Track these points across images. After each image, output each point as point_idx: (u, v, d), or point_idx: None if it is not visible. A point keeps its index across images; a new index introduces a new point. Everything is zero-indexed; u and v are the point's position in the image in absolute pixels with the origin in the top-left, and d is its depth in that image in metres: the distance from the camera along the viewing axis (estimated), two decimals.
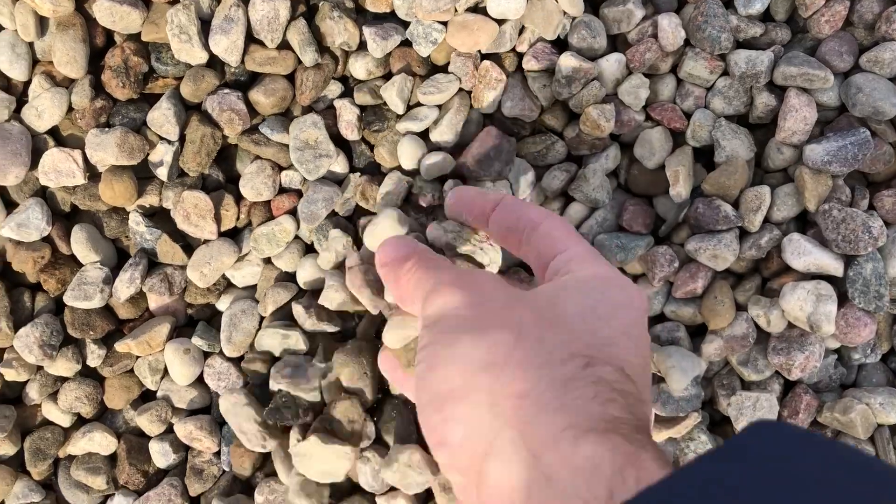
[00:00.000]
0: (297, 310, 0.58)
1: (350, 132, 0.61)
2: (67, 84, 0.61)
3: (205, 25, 0.60)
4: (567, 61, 0.59)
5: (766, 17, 0.62)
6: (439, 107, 0.62)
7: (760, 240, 0.58)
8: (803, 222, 0.60)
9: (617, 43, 0.63)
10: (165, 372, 0.61)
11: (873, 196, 0.59)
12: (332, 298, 0.55)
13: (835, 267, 0.57)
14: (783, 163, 0.60)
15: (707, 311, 0.59)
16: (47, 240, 0.60)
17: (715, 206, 0.58)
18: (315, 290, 0.60)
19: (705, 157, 0.62)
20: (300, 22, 0.60)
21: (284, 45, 0.61)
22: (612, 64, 0.60)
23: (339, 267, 0.59)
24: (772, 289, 0.59)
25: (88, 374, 0.61)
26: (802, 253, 0.57)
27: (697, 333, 0.61)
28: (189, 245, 0.62)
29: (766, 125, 0.61)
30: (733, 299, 0.59)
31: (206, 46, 0.60)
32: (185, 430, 0.60)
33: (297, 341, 0.58)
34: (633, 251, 0.60)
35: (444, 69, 0.63)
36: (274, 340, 0.59)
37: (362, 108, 0.62)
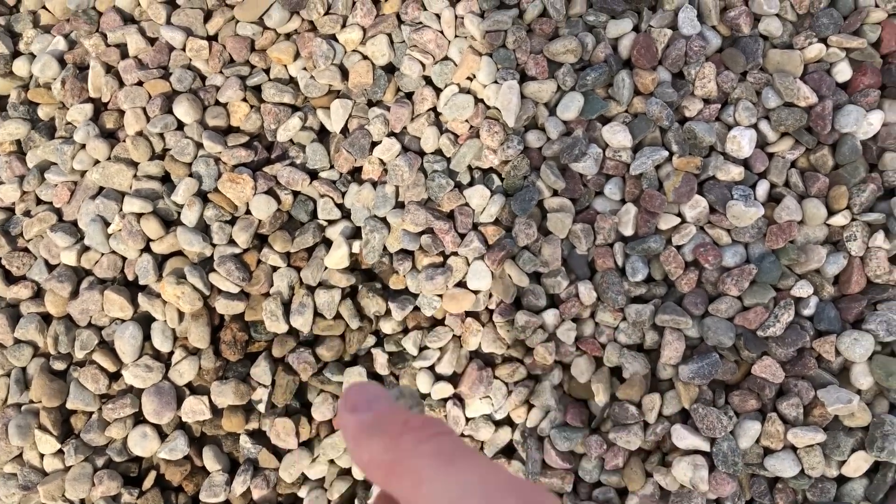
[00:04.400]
0: None
1: (382, 370, 0.93)
2: (196, 352, 0.93)
3: (286, 307, 0.93)
4: (521, 317, 0.92)
5: (649, 278, 0.94)
6: (440, 349, 0.94)
7: (656, 429, 0.89)
8: (686, 414, 0.91)
9: (555, 300, 0.96)
10: None
11: (728, 395, 0.90)
12: None
13: (704, 446, 0.87)
14: (668, 376, 0.91)
15: (627, 478, 0.89)
16: (187, 457, 0.91)
17: (625, 408, 0.89)
18: (369, 482, 0.91)
19: (618, 374, 0.93)
20: (348, 301, 0.93)
21: (337, 316, 0.94)
22: (550, 316, 0.93)
23: None
24: (668, 461, 0.89)
25: None
26: (683, 437, 0.87)
27: (623, 493, 0.91)
28: (279, 452, 0.93)
29: (655, 350, 0.93)
30: (643, 469, 0.90)
31: (287, 321, 0.92)
32: None
33: None
34: (575, 439, 0.90)
35: (442, 322, 0.95)
36: None
37: (390, 353, 0.94)
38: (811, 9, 0.94)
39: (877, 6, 0.94)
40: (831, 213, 0.91)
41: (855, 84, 0.93)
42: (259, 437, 0.93)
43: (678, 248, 0.93)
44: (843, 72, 0.93)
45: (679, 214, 0.93)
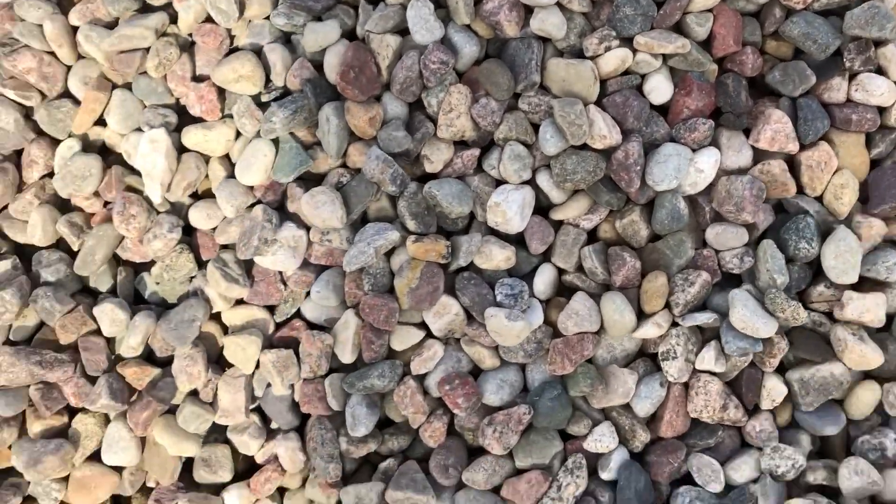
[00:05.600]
0: None
1: None
2: None
3: None
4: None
5: (386, 422, 0.62)
6: None
7: None
8: None
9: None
10: None
11: None
12: None
13: None
14: None
15: None
16: None
17: None
18: None
19: None
20: None
21: None
22: (234, 497, 0.61)
23: None
24: None
25: None
26: None
27: None
28: None
29: None
30: None
31: None
32: None
33: None
34: None
35: None
36: None
37: None
38: None
39: None
40: (643, 315, 0.59)
41: (676, 109, 0.60)
42: None
43: (420, 378, 0.61)
44: (658, 90, 0.60)
45: (423, 326, 0.61)
